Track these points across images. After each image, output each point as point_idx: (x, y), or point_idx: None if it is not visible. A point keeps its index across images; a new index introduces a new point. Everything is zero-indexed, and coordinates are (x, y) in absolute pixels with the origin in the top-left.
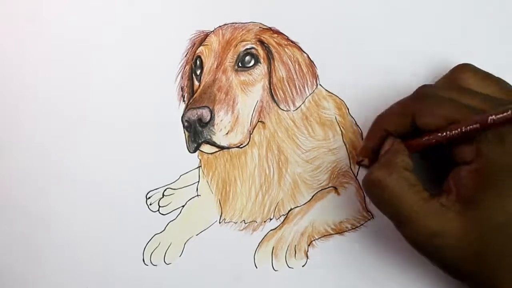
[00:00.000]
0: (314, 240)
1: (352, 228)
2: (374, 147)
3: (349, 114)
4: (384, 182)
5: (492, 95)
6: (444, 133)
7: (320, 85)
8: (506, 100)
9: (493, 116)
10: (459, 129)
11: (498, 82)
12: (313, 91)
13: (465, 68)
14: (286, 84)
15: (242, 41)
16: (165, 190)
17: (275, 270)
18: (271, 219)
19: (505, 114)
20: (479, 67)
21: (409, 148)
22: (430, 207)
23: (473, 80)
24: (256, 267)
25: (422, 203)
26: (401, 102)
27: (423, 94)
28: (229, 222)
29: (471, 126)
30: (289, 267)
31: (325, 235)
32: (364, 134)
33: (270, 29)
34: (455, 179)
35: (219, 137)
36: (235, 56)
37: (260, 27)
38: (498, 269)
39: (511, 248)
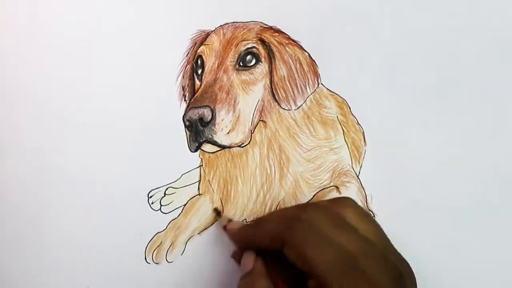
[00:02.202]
0: None
1: None
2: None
3: (351, 113)
4: None
5: (366, 235)
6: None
7: (321, 84)
8: (380, 244)
9: None
10: None
11: (374, 222)
12: (315, 90)
13: (346, 203)
14: (287, 83)
15: (243, 40)
16: (166, 189)
17: None
18: None
19: None
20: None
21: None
22: None
23: (353, 215)
24: None
25: None
26: (275, 222)
27: (298, 220)
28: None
29: None
30: None
31: None
32: (366, 133)
33: (271, 28)
34: None
35: (220, 136)
36: (236, 56)
37: (261, 26)
38: None
39: None
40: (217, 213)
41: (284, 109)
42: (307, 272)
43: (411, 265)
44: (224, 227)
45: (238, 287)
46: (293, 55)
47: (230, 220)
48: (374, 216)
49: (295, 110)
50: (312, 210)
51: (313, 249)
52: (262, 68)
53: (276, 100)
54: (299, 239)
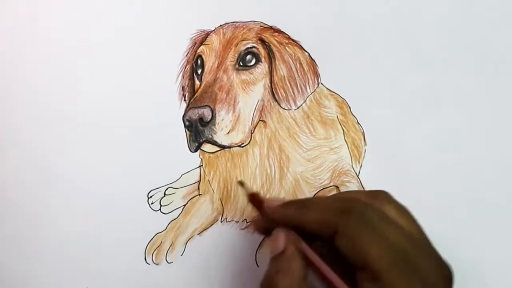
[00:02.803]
0: None
1: None
2: (270, 227)
3: (351, 112)
4: None
5: (409, 231)
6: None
7: (321, 83)
8: (424, 240)
9: None
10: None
11: (413, 217)
12: (315, 90)
13: (384, 197)
14: (287, 83)
15: (243, 40)
16: (166, 189)
17: None
18: None
19: None
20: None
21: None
22: None
23: (393, 210)
24: (258, 266)
25: None
26: (328, 207)
27: (354, 211)
28: (230, 221)
29: None
30: None
31: None
32: (366, 133)
33: (271, 27)
34: None
35: (220, 136)
36: (236, 55)
37: (261, 26)
38: None
39: None
40: (241, 184)
41: (284, 109)
42: (360, 264)
43: None
44: (258, 204)
45: (268, 271)
46: (293, 55)
47: (258, 195)
48: None
49: (295, 110)
50: (363, 204)
51: (369, 243)
52: (262, 68)
53: (276, 100)
54: (356, 231)
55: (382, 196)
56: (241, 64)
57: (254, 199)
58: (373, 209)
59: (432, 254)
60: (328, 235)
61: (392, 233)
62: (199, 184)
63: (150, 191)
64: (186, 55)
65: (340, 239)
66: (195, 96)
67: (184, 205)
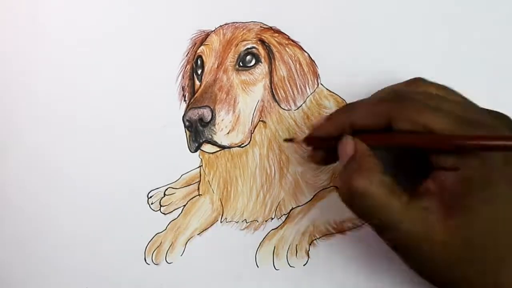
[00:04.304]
0: (315, 239)
1: (354, 227)
2: (325, 137)
3: None
4: (367, 192)
5: (452, 98)
6: (422, 140)
7: (321, 84)
8: (469, 101)
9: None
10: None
11: (451, 89)
12: (314, 90)
13: (420, 80)
14: (287, 83)
15: (243, 41)
16: (166, 189)
17: (276, 269)
18: (272, 219)
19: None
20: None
21: (372, 141)
22: (413, 212)
23: (432, 87)
24: (258, 266)
25: (404, 209)
26: (376, 99)
27: (403, 97)
28: (230, 221)
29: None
30: (291, 266)
31: (326, 234)
32: None
33: (271, 28)
34: (436, 183)
35: (220, 137)
36: (236, 56)
37: (261, 27)
38: (482, 275)
39: (495, 255)
40: (290, 140)
41: (284, 109)
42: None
43: None
44: (310, 138)
45: (344, 177)
46: (293, 55)
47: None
48: None
49: (294, 110)
50: (407, 90)
51: (428, 116)
52: (262, 68)
53: (276, 101)
54: (411, 112)
55: (418, 80)
56: (241, 64)
57: (308, 139)
58: (417, 92)
59: (486, 110)
60: (382, 126)
61: (444, 105)
62: (199, 184)
63: (150, 191)
64: (186, 55)
65: (397, 123)
66: (195, 97)
67: (184, 205)
